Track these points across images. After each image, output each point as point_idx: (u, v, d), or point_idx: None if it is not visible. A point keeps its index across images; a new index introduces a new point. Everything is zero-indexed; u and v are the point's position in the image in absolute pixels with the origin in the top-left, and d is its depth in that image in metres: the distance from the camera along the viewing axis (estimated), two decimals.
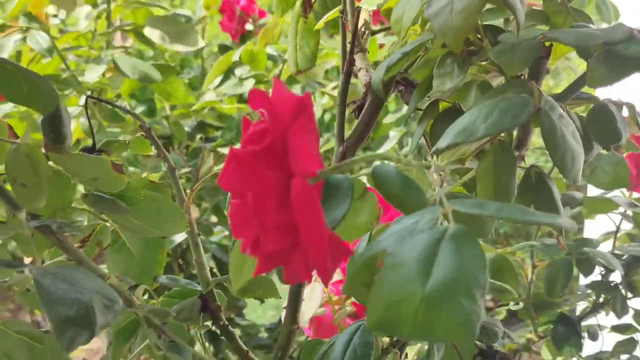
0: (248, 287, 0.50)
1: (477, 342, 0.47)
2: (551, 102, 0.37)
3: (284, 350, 0.54)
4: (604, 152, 0.60)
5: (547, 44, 0.40)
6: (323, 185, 0.35)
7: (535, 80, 0.40)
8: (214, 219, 1.33)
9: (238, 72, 1.22)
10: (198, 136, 1.22)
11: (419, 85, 0.43)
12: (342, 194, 0.35)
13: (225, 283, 0.58)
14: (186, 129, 1.21)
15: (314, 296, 0.70)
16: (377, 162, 0.35)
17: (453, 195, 0.40)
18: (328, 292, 0.69)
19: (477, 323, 0.25)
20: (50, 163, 0.47)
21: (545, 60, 0.41)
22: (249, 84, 1.20)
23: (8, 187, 0.47)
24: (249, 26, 1.38)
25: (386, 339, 0.47)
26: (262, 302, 0.74)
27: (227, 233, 1.28)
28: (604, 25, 0.44)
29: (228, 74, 1.23)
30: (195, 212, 1.20)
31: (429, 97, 0.45)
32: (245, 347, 0.54)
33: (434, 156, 0.39)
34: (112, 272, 0.51)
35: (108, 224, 0.52)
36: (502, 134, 0.44)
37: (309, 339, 0.61)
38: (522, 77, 0.40)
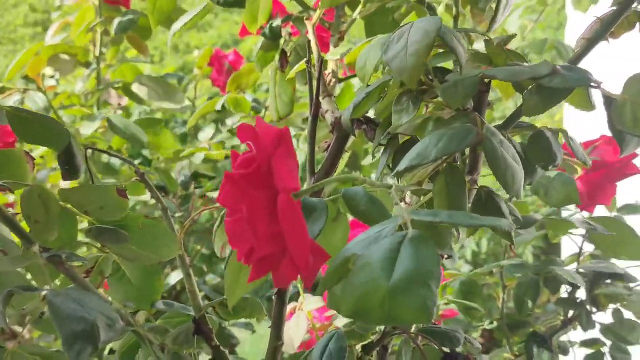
0: (238, 307, 0.56)
1: (442, 348, 0.52)
2: (492, 129, 0.43)
3: None
4: (556, 173, 0.67)
5: (487, 80, 0.47)
6: (302, 207, 0.41)
7: (479, 111, 0.47)
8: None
9: (230, 121, 1.30)
10: (192, 186, 1.28)
11: (382, 122, 0.50)
12: (319, 213, 0.41)
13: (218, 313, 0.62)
14: (182, 178, 1.27)
15: (300, 324, 0.75)
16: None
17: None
18: (312, 320, 0.74)
19: (433, 307, 0.30)
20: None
21: (486, 95, 0.47)
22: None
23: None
24: None
25: (359, 347, 0.53)
26: (254, 332, 0.79)
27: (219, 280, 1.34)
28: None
29: (218, 125, 1.31)
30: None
31: (389, 132, 0.51)
32: None
33: (396, 179, 0.45)
34: (115, 299, 0.56)
35: (109, 256, 0.57)
36: (458, 161, 0.51)
37: None
38: (468, 110, 0.46)
